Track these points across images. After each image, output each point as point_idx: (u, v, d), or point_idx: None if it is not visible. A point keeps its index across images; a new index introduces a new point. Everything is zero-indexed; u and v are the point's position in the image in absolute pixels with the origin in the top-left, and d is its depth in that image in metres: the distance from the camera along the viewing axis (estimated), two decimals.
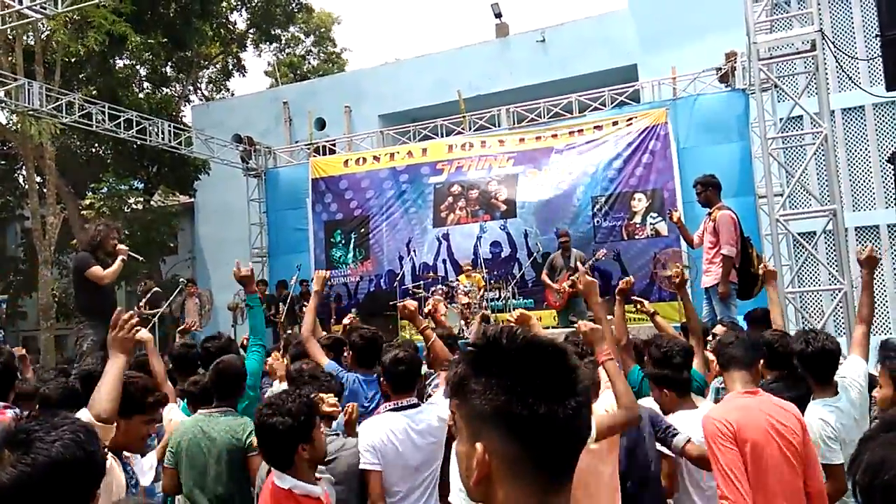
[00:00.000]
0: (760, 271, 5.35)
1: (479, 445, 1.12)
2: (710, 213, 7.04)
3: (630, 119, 12.09)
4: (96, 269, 6.33)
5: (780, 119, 9.64)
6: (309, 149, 15.43)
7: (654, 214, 11.64)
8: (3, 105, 12.92)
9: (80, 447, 1.41)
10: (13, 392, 3.55)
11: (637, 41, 14.37)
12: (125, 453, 2.91)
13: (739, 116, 11.45)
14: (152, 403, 2.89)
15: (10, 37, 13.91)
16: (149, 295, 11.44)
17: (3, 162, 17.47)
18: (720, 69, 11.71)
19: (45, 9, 9.17)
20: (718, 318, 6.75)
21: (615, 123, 12.18)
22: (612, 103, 12.68)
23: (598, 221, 11.90)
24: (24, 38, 14.39)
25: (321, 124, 17.40)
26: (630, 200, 11.82)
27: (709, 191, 7.04)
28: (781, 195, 7.76)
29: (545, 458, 1.12)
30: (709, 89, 11.95)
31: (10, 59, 14.16)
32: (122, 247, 6.54)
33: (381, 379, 3.82)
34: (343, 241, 14.14)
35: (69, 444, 1.40)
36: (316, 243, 14.29)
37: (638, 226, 11.75)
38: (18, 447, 1.37)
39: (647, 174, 11.77)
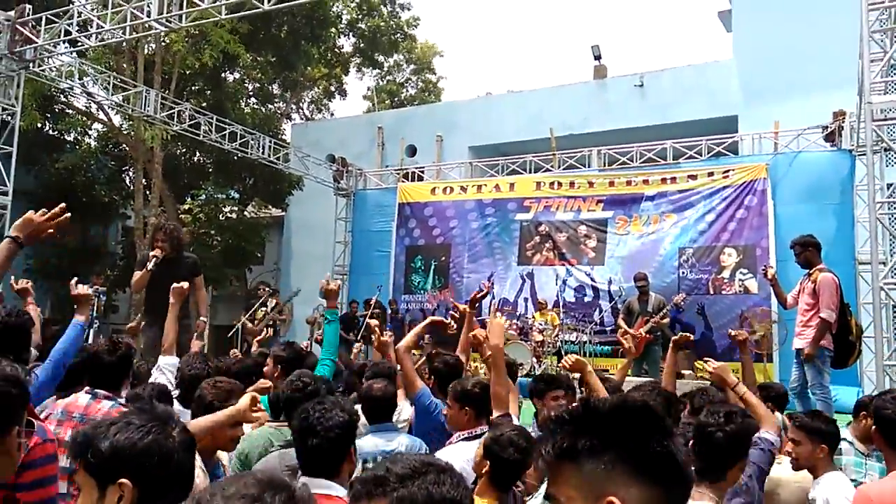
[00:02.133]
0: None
1: (613, 499, 1.13)
2: (809, 274, 6.76)
3: (727, 171, 11.80)
4: (135, 275, 6.37)
5: (889, 184, 9.22)
6: (398, 173, 15.76)
7: (745, 271, 11.28)
8: (121, 109, 13.76)
9: None
10: (127, 383, 3.70)
11: (739, 92, 14.08)
12: (217, 454, 3.02)
13: (844, 178, 11.00)
14: None
15: (134, 46, 14.85)
16: (272, 301, 11.98)
17: (113, 163, 18.54)
18: (826, 127, 11.31)
19: (169, 22, 9.74)
20: (810, 383, 6.46)
21: (710, 174, 11.91)
22: (708, 153, 12.43)
23: (683, 272, 11.63)
24: (146, 47, 15.31)
25: (412, 151, 17.74)
26: (720, 254, 11.50)
27: (808, 251, 6.76)
28: (885, 263, 7.38)
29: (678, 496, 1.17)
30: (812, 147, 11.55)
31: (131, 67, 15.10)
32: (152, 252, 6.26)
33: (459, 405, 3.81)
34: (423, 267, 14.30)
35: None
36: (396, 266, 14.51)
37: (726, 281, 11.41)
38: None
39: (741, 229, 11.45)
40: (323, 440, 2.47)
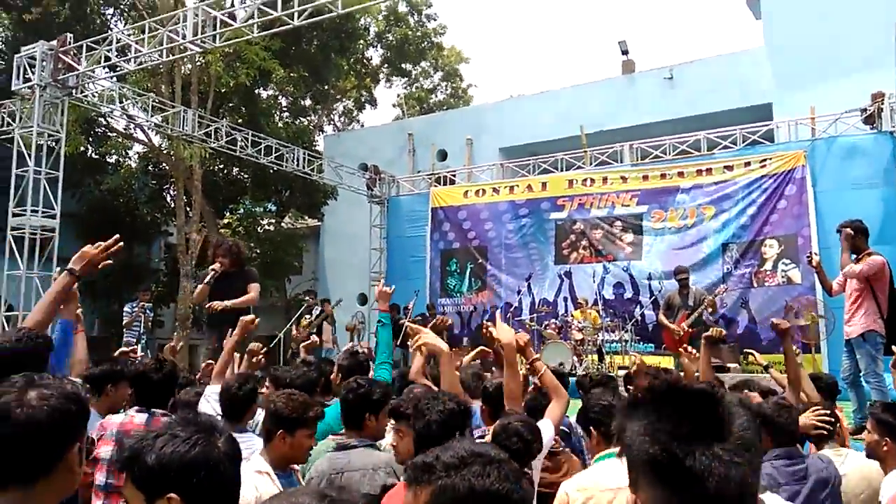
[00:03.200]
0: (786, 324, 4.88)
1: (629, 497, 1.15)
2: (857, 259, 6.67)
3: (764, 160, 11.66)
4: (196, 289, 6.56)
5: None
6: (430, 178, 15.86)
7: (787, 261, 11.14)
8: (160, 129, 14.10)
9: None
10: (173, 399, 3.84)
11: (773, 80, 13.87)
12: (293, 466, 3.13)
13: (886, 160, 10.80)
14: (313, 418, 3.09)
15: (171, 68, 15.22)
16: (318, 309, 12.17)
17: (153, 182, 18.98)
18: (865, 110, 11.11)
19: (204, 43, 9.99)
20: (863, 372, 6.36)
21: (747, 164, 11.79)
22: (743, 142, 12.29)
23: (727, 269, 11.53)
24: (182, 68, 15.66)
25: (443, 155, 17.84)
26: (761, 247, 11.37)
27: (857, 237, 6.67)
28: None
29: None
30: (851, 131, 11.35)
31: (169, 88, 15.47)
32: (212, 266, 6.42)
33: (482, 406, 3.90)
34: (458, 271, 14.37)
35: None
36: (432, 271, 14.61)
37: (769, 272, 11.28)
38: None
39: (781, 220, 11.33)
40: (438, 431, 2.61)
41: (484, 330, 5.25)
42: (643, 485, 1.14)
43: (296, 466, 3.15)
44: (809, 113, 11.94)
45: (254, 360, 4.75)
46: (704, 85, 14.83)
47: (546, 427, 3.46)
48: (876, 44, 10.90)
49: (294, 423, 3.00)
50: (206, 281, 6.31)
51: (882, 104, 10.87)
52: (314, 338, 7.82)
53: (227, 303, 6.13)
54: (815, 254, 7.61)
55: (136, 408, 3.55)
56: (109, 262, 3.05)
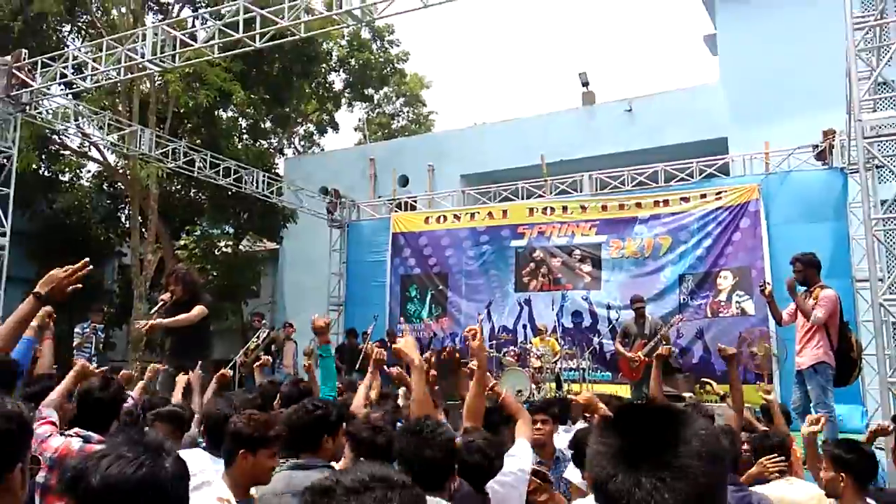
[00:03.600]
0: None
1: None
2: (810, 292, 6.80)
3: (719, 193, 11.91)
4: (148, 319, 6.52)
5: (883, 200, 9.31)
6: (391, 204, 15.82)
7: (741, 293, 11.34)
8: (116, 148, 13.83)
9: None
10: (116, 421, 3.69)
11: (728, 114, 14.23)
12: (252, 493, 3.03)
13: (837, 196, 11.11)
14: (274, 437, 3.03)
15: (129, 86, 14.97)
16: (265, 332, 11.96)
17: (108, 202, 18.57)
18: (817, 146, 11.45)
19: (163, 62, 9.85)
20: (813, 402, 6.45)
21: (703, 196, 12.03)
22: (700, 175, 12.53)
23: (684, 299, 11.70)
24: (141, 87, 15.43)
25: (404, 181, 17.82)
26: (716, 278, 11.57)
27: (809, 270, 6.82)
28: (882, 280, 7.43)
29: None
30: (804, 166, 11.67)
31: (126, 106, 15.21)
32: (161, 296, 6.41)
33: None
34: (419, 296, 14.31)
35: None
36: (392, 296, 14.52)
37: (723, 304, 11.46)
38: None
39: (735, 252, 11.55)
40: (437, 453, 2.62)
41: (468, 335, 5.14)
42: None
43: (254, 493, 3.05)
44: (764, 147, 12.25)
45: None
46: (663, 118, 15.14)
47: (523, 447, 3.56)
48: (828, 82, 11.25)
49: (256, 443, 2.95)
50: (155, 310, 6.20)
51: (833, 141, 11.21)
52: (265, 357, 7.64)
53: (165, 321, 6.00)
54: (768, 283, 7.75)
55: (75, 430, 3.36)
56: (78, 286, 2.96)
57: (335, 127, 23.37)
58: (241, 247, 19.41)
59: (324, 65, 20.46)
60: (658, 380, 4.96)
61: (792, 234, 10.89)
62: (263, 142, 20.95)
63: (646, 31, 57.61)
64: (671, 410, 1.15)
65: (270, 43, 9.45)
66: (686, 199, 12.19)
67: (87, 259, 2.97)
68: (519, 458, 3.46)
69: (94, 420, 3.41)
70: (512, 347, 11.87)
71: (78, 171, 17.73)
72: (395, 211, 15.43)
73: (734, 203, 11.68)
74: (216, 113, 17.00)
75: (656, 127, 15.13)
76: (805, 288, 6.91)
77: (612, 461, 1.08)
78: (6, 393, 2.53)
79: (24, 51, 10.17)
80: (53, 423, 3.30)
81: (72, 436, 3.23)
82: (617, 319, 11.76)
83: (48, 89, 10.56)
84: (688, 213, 12.03)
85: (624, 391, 10.53)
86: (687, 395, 9.95)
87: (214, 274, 17.61)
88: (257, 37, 9.04)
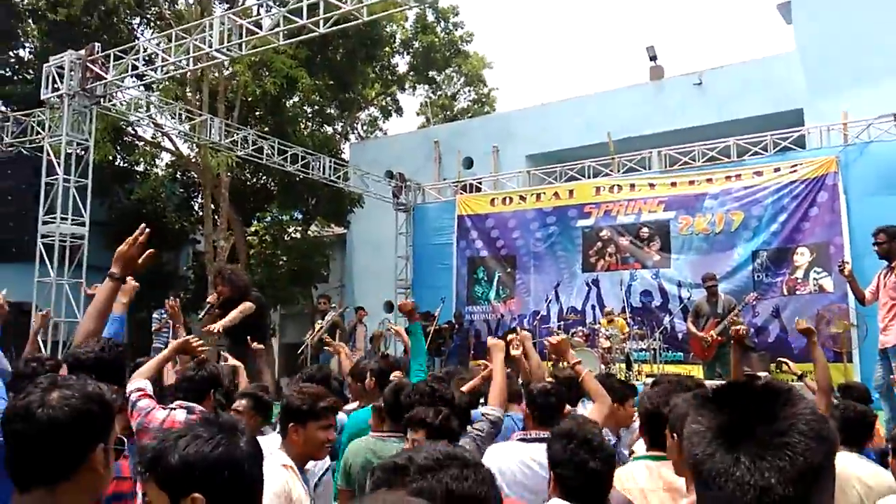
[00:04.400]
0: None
1: (684, 501, 1.10)
2: (892, 267, 6.47)
3: (795, 166, 11.45)
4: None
5: None
6: (456, 186, 15.83)
7: (819, 269, 10.91)
8: (188, 138, 14.26)
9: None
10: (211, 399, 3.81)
11: (804, 85, 13.60)
12: (306, 467, 3.06)
13: None
14: (324, 408, 3.01)
15: (199, 76, 15.39)
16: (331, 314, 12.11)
17: (181, 190, 19.19)
18: None
19: (230, 51, 10.08)
20: None
21: (777, 170, 11.58)
22: (774, 149, 12.06)
23: (758, 276, 11.32)
24: (210, 77, 15.83)
25: (469, 163, 17.79)
26: (792, 255, 11.14)
27: (893, 243, 6.46)
28: None
29: None
30: (885, 136, 11.08)
31: (197, 96, 15.66)
32: (209, 298, 6.67)
33: (526, 408, 3.82)
34: (486, 279, 14.31)
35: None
36: (458, 278, 14.57)
37: (800, 281, 11.06)
38: None
39: (813, 227, 11.11)
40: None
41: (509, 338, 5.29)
42: (694, 485, 1.10)
43: (308, 466, 3.09)
44: (841, 118, 11.68)
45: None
46: (734, 90, 14.61)
47: None
48: None
49: (305, 416, 2.95)
50: (204, 312, 6.46)
51: None
52: (337, 344, 7.76)
53: (218, 324, 6.21)
54: (847, 263, 7.40)
55: (178, 403, 3.50)
56: (146, 260, 3.05)
57: (399, 111, 23.44)
58: (309, 232, 19.81)
59: (387, 48, 20.54)
60: (738, 362, 4.79)
61: (872, 207, 10.35)
62: (329, 127, 21.24)
63: (715, 2, 55.57)
64: (774, 388, 1.10)
65: (334, 28, 9.53)
66: (759, 173, 11.75)
67: (143, 225, 3.03)
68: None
69: (190, 396, 3.56)
70: (580, 328, 11.77)
71: (152, 160, 18.35)
72: (461, 193, 15.44)
73: (811, 176, 11.20)
74: (282, 100, 17.31)
75: (727, 100, 14.62)
76: (888, 262, 6.56)
77: (710, 440, 1.05)
78: (119, 380, 2.63)
79: (97, 44, 10.56)
80: (150, 396, 3.42)
81: (174, 408, 3.36)
82: (689, 298, 11.45)
83: (121, 81, 10.94)
84: (761, 187, 11.60)
85: (696, 371, 10.27)
86: (762, 374, 9.65)
87: (284, 259, 18.01)
88: (321, 22, 9.14)
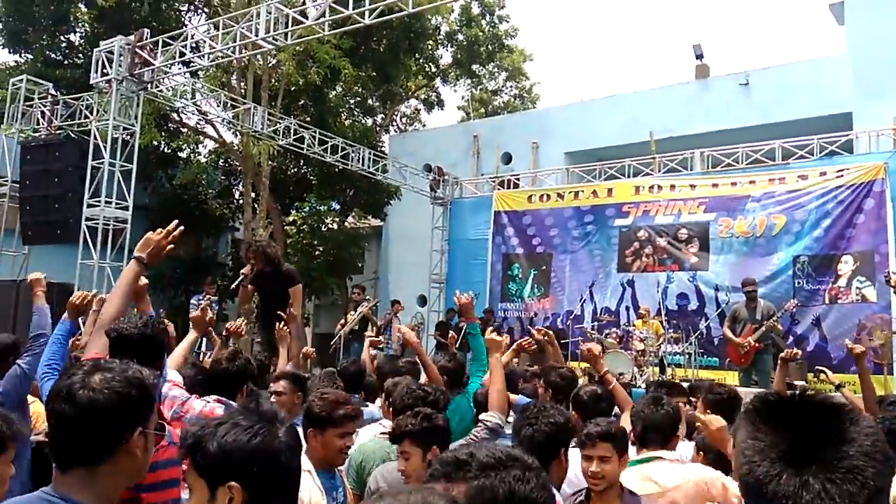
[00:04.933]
0: None
1: None
2: None
3: (841, 171, 11.15)
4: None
5: None
6: (494, 181, 15.78)
7: (862, 278, 10.63)
8: (231, 125, 14.44)
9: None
10: (243, 393, 3.83)
11: (854, 88, 13.26)
12: (339, 469, 3.08)
13: None
14: (343, 416, 2.98)
15: (244, 65, 15.57)
16: (364, 305, 12.14)
17: (223, 178, 19.46)
18: None
19: (276, 40, 10.17)
20: None
21: (823, 174, 11.29)
22: (820, 152, 11.78)
23: (798, 283, 11.05)
24: (255, 65, 16.00)
25: (507, 159, 17.72)
26: (837, 263, 10.86)
27: None
28: None
29: None
30: None
31: (241, 85, 15.84)
32: (242, 270, 6.42)
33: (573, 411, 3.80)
34: (520, 276, 14.23)
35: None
36: (493, 274, 14.51)
37: (842, 289, 10.77)
38: None
39: (858, 235, 10.81)
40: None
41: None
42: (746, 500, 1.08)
43: (342, 468, 3.09)
44: (892, 123, 11.35)
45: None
46: (781, 92, 14.30)
47: None
48: None
49: (324, 422, 2.93)
50: (238, 283, 6.39)
51: None
52: (374, 338, 7.77)
53: (292, 312, 6.12)
54: (893, 273, 7.20)
55: (215, 397, 3.50)
56: (172, 246, 3.07)
57: (440, 104, 23.40)
58: (346, 223, 19.95)
59: (431, 40, 20.52)
60: (783, 376, 4.77)
61: None
62: (369, 119, 21.33)
63: (764, 1, 54.40)
64: (835, 406, 1.08)
65: (380, 19, 9.54)
66: (804, 177, 11.48)
67: (176, 221, 3.07)
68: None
69: (222, 389, 3.57)
70: (614, 329, 11.64)
71: (195, 147, 18.63)
72: (498, 189, 15.38)
73: (857, 182, 10.90)
74: (325, 90, 17.43)
75: (774, 101, 14.33)
76: None
77: (774, 460, 1.03)
78: (155, 362, 2.67)
79: (146, 30, 10.74)
80: (180, 385, 3.47)
81: (209, 401, 3.40)
82: (727, 302, 11.24)
83: (168, 68, 11.10)
84: (805, 192, 11.33)
85: (732, 377, 10.12)
86: (799, 382, 9.45)
87: (321, 249, 18.16)
88: (366, 13, 9.15)
